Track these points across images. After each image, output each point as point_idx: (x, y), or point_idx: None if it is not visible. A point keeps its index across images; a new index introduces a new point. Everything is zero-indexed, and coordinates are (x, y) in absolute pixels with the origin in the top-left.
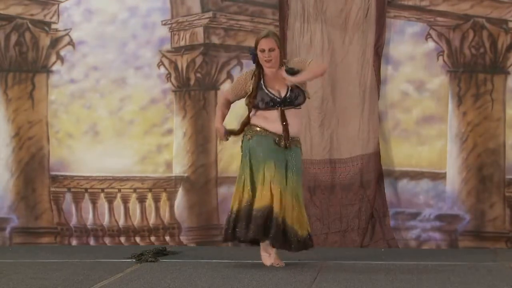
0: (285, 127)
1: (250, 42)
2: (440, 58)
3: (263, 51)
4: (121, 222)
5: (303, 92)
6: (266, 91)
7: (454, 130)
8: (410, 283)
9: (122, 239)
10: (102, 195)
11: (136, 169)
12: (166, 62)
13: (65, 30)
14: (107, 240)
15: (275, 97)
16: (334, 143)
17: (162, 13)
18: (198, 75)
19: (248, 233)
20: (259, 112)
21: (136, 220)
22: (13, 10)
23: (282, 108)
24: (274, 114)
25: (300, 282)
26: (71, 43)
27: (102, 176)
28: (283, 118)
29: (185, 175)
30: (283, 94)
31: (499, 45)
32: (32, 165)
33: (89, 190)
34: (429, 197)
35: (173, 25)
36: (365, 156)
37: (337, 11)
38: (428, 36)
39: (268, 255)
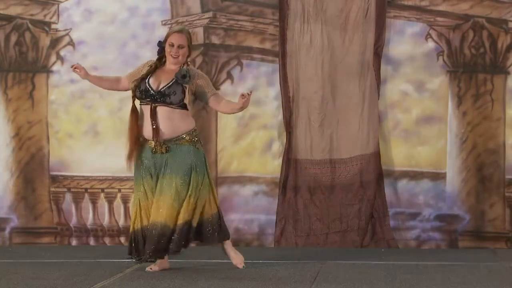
0: (155, 130)
1: (250, 42)
2: (440, 58)
3: (172, 45)
4: (121, 222)
5: (184, 94)
6: (146, 80)
7: (454, 130)
8: (410, 283)
9: (122, 239)
10: (102, 195)
11: None
12: None
13: (65, 30)
14: (107, 240)
15: (150, 88)
16: (334, 143)
17: (162, 13)
18: None
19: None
20: (141, 108)
21: None
22: (13, 10)
23: (154, 104)
24: (148, 112)
25: (300, 282)
26: (71, 43)
27: (102, 176)
28: (153, 117)
29: None
30: (160, 87)
31: (499, 45)
32: (32, 165)
33: (89, 190)
34: (429, 197)
35: (173, 25)
36: (365, 156)
37: (337, 11)
38: (428, 36)
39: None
